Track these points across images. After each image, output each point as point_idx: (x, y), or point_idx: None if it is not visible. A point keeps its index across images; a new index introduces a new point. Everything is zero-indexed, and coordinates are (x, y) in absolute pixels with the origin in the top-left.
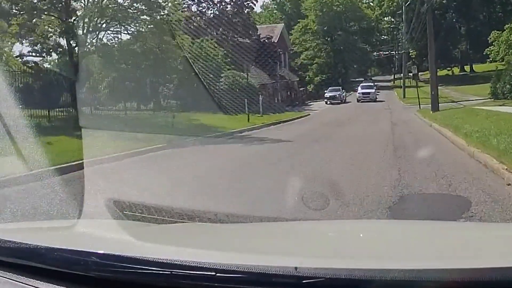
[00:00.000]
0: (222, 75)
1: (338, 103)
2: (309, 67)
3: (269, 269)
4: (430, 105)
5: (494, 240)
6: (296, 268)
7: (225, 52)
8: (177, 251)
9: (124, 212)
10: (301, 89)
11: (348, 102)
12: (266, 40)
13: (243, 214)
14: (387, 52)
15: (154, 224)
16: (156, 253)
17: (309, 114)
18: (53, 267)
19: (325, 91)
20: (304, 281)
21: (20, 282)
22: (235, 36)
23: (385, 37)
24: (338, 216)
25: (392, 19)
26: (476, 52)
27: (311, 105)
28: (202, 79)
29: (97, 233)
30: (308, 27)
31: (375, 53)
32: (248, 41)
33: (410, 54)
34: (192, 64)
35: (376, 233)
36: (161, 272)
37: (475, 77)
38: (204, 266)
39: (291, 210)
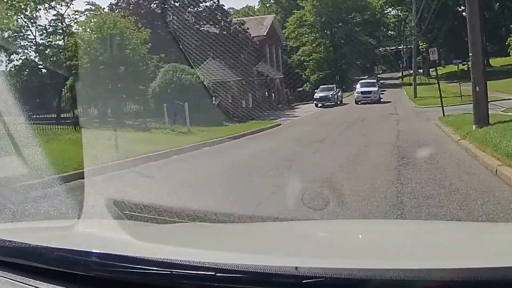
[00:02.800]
0: (162, 70)
1: (331, 106)
2: (304, 63)
3: (269, 268)
4: (456, 110)
5: (494, 240)
6: (296, 268)
7: (162, 39)
8: (177, 251)
9: (124, 212)
10: (297, 89)
11: (345, 104)
12: (238, 27)
13: (243, 214)
14: (394, 47)
15: (154, 224)
16: (156, 253)
17: (279, 125)
18: (53, 267)
19: (315, 91)
20: (304, 281)
21: (20, 282)
22: (198, 21)
23: (392, 32)
24: None
25: (399, 13)
26: (492, 44)
27: (298, 108)
28: (117, 77)
29: (97, 233)
30: (304, 18)
31: (381, 49)
32: (215, 29)
33: (420, 47)
34: (97, 56)
35: (376, 233)
36: (161, 272)
37: (493, 72)
38: (204, 266)
39: None
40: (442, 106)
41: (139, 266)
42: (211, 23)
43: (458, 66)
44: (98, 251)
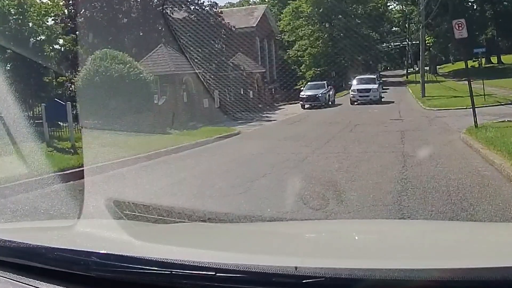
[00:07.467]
0: (90, 58)
1: (321, 107)
2: (300, 59)
3: (269, 268)
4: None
5: (494, 240)
6: (296, 267)
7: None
8: (177, 251)
9: (124, 212)
10: (294, 87)
11: (338, 104)
12: (209, 11)
13: (243, 214)
14: (399, 43)
15: (154, 224)
16: (156, 253)
17: (237, 134)
18: (53, 267)
19: (302, 89)
20: (304, 281)
21: (20, 282)
22: (162, 2)
23: (396, 28)
24: None
25: (404, 8)
26: (504, 40)
27: (282, 108)
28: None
29: (97, 233)
30: (300, 9)
31: (384, 44)
32: (181, 11)
33: (427, 42)
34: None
35: (376, 233)
36: (161, 271)
37: (505, 69)
38: (204, 266)
39: None
40: (474, 113)
41: (139, 266)
42: (177, 5)
43: (489, 56)
44: (98, 251)
